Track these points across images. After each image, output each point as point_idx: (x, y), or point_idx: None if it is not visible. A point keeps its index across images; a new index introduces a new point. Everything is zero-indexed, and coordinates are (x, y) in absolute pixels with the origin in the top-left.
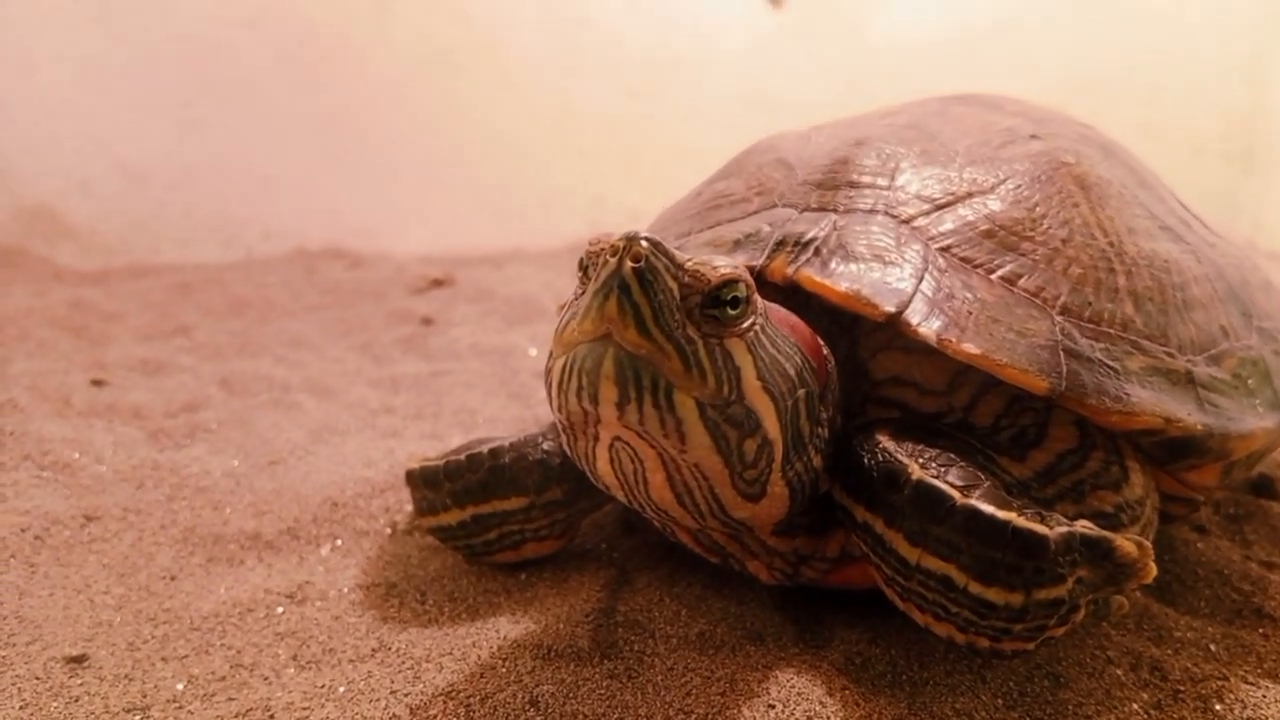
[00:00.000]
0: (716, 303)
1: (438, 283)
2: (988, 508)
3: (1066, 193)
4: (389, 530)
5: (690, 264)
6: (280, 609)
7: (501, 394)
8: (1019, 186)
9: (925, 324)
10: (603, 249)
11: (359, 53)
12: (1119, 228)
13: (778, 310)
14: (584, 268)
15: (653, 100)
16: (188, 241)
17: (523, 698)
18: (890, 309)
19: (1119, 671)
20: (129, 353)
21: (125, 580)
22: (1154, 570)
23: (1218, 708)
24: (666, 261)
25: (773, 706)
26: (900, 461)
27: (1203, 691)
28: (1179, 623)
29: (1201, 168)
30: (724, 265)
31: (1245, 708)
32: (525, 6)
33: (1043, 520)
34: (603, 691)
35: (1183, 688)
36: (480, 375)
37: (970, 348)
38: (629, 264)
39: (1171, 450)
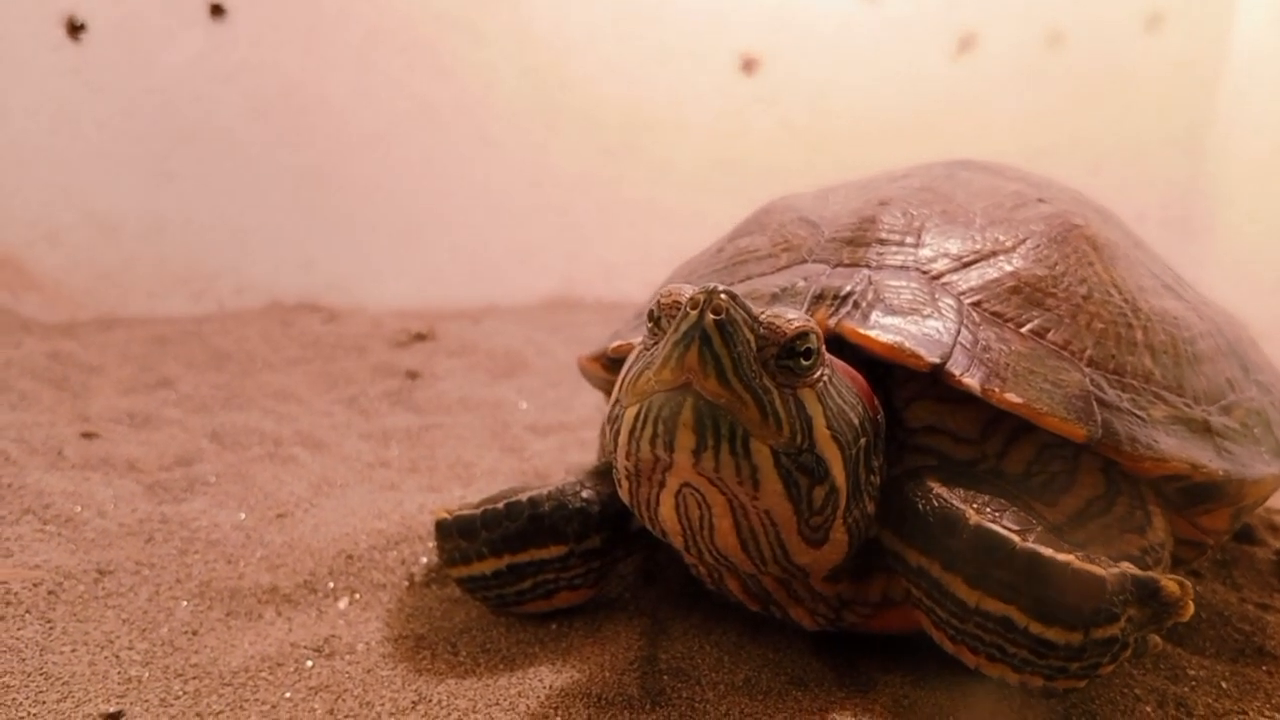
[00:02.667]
0: (791, 354)
1: (420, 337)
2: (1047, 551)
3: (1081, 252)
4: (406, 583)
5: (765, 317)
6: (309, 663)
7: (495, 447)
8: (1038, 246)
9: (968, 374)
10: (678, 301)
11: (338, 107)
12: (1131, 286)
13: (836, 362)
14: (655, 319)
15: (628, 161)
16: (157, 293)
17: None
18: (934, 360)
19: (1148, 709)
20: (114, 405)
21: (147, 635)
22: (1192, 609)
23: None
24: (744, 314)
25: None
26: (957, 507)
27: None
28: (1190, 662)
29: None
30: (797, 318)
31: None
32: (506, 67)
33: (1093, 562)
34: None
35: None
36: (472, 428)
37: (1013, 397)
38: (710, 316)
39: (1192, 495)
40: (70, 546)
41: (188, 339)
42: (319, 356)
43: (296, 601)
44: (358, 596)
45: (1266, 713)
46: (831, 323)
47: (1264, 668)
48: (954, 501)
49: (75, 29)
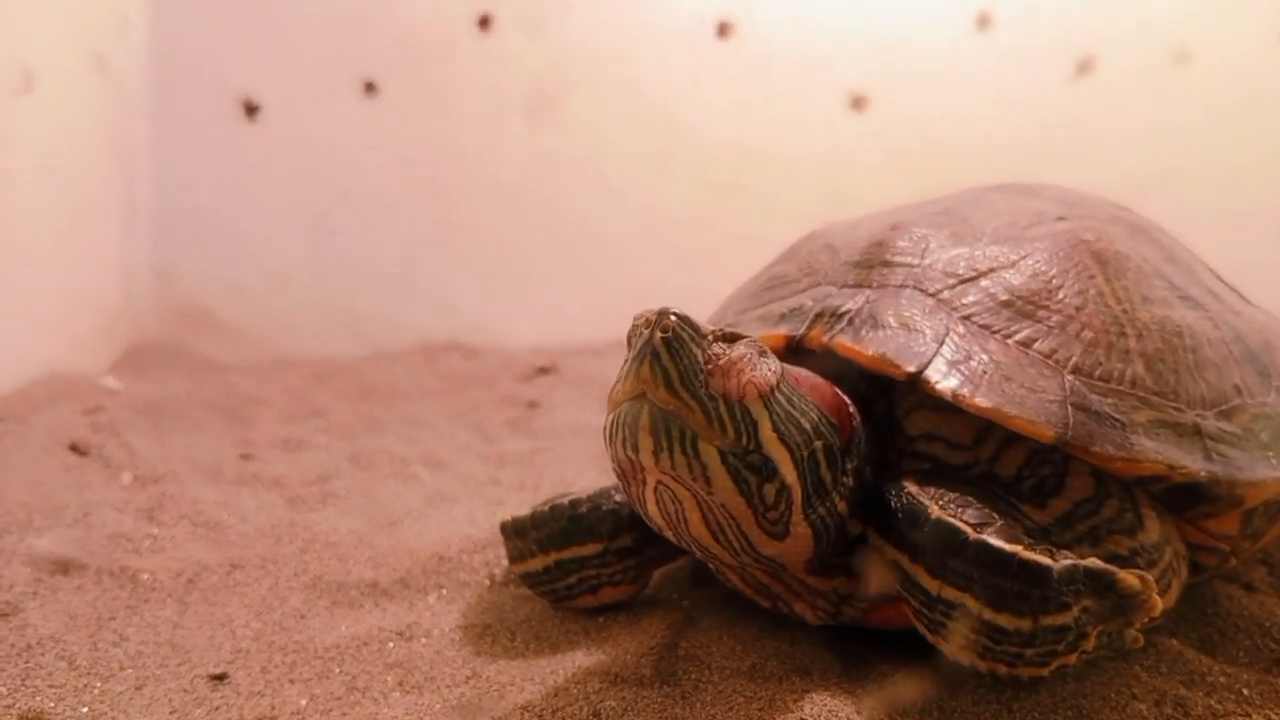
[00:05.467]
0: None
1: (543, 370)
2: (997, 541)
3: (1083, 266)
4: (488, 581)
5: (714, 334)
6: (390, 644)
7: (594, 468)
8: (1038, 262)
9: (944, 382)
10: (640, 323)
11: (474, 165)
12: (1133, 297)
13: (803, 375)
14: (629, 339)
15: (738, 199)
16: (323, 337)
17: (587, 710)
18: (911, 369)
19: (1142, 707)
20: (272, 432)
21: (262, 617)
22: (1159, 604)
23: None
24: (691, 332)
25: None
26: (922, 503)
27: None
28: (1213, 669)
29: None
30: (745, 336)
31: None
32: (620, 119)
33: (1052, 555)
34: (656, 707)
35: None
36: (577, 451)
37: (982, 402)
38: (659, 334)
39: (1183, 497)
40: (213, 545)
41: (343, 375)
42: (454, 389)
43: (393, 595)
44: (444, 592)
45: (1276, 717)
46: (826, 338)
47: None
48: (921, 498)
49: (251, 110)
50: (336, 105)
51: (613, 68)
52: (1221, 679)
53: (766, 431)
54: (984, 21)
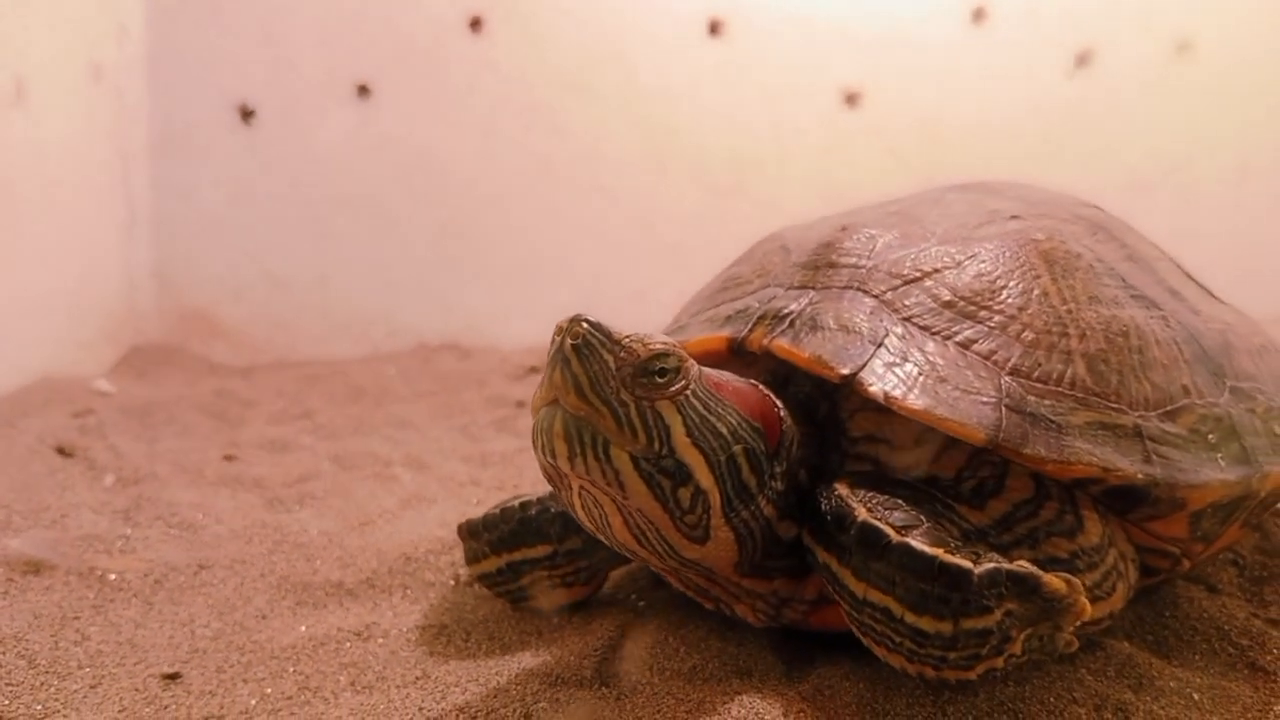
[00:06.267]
0: (646, 372)
1: (533, 370)
2: (919, 544)
3: (1029, 266)
4: (452, 582)
5: (625, 340)
6: (348, 644)
7: None
8: (983, 262)
9: (878, 384)
10: (556, 330)
11: (470, 168)
12: (1079, 296)
13: (726, 379)
14: (550, 347)
15: (735, 199)
16: (323, 339)
17: (520, 712)
18: (846, 371)
19: (1081, 711)
20: (259, 433)
21: (223, 617)
22: (1088, 608)
23: None
24: (602, 338)
25: None
26: (850, 505)
27: None
28: (1164, 673)
29: None
30: (657, 341)
31: None
32: (616, 121)
33: (977, 559)
34: (588, 709)
35: None
36: None
37: (915, 404)
38: (569, 341)
39: (1123, 499)
40: (185, 546)
41: (335, 377)
42: (445, 390)
43: (357, 595)
44: (409, 592)
45: None
46: (766, 341)
47: (1250, 682)
48: (849, 501)
49: (247, 114)
50: (331, 109)
51: (607, 69)
52: (1171, 683)
53: (679, 436)
54: (979, 15)
